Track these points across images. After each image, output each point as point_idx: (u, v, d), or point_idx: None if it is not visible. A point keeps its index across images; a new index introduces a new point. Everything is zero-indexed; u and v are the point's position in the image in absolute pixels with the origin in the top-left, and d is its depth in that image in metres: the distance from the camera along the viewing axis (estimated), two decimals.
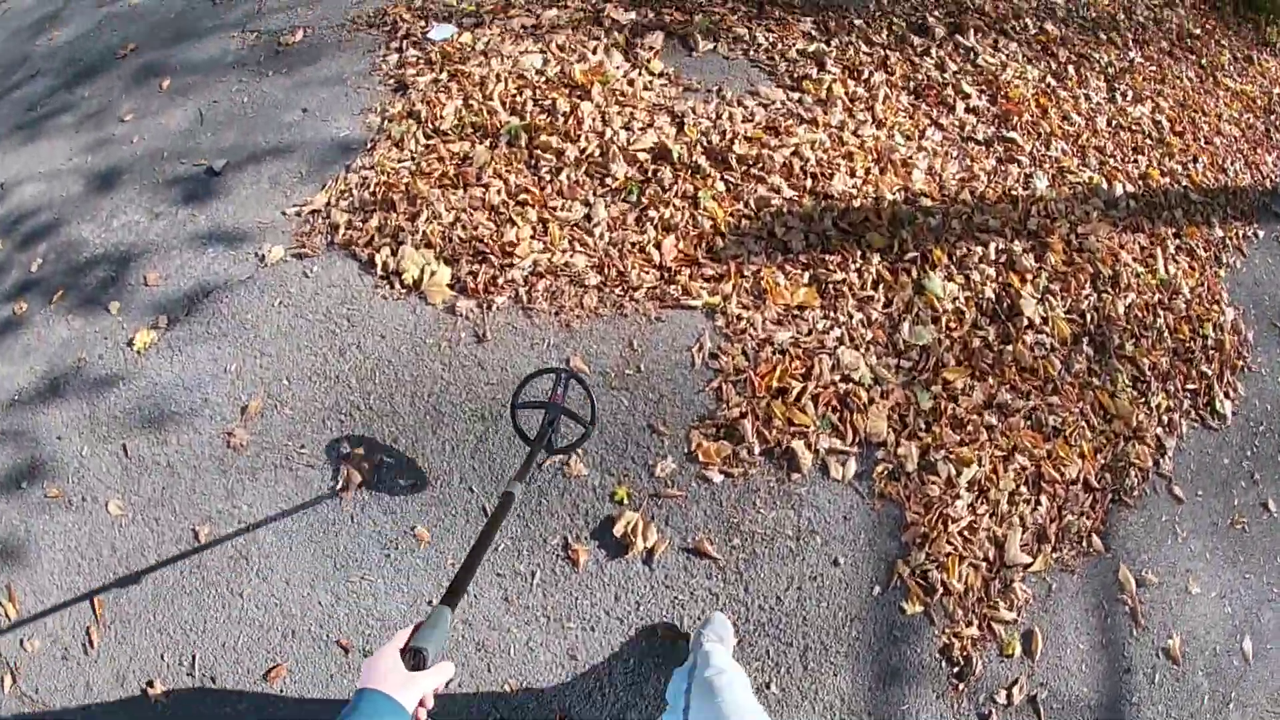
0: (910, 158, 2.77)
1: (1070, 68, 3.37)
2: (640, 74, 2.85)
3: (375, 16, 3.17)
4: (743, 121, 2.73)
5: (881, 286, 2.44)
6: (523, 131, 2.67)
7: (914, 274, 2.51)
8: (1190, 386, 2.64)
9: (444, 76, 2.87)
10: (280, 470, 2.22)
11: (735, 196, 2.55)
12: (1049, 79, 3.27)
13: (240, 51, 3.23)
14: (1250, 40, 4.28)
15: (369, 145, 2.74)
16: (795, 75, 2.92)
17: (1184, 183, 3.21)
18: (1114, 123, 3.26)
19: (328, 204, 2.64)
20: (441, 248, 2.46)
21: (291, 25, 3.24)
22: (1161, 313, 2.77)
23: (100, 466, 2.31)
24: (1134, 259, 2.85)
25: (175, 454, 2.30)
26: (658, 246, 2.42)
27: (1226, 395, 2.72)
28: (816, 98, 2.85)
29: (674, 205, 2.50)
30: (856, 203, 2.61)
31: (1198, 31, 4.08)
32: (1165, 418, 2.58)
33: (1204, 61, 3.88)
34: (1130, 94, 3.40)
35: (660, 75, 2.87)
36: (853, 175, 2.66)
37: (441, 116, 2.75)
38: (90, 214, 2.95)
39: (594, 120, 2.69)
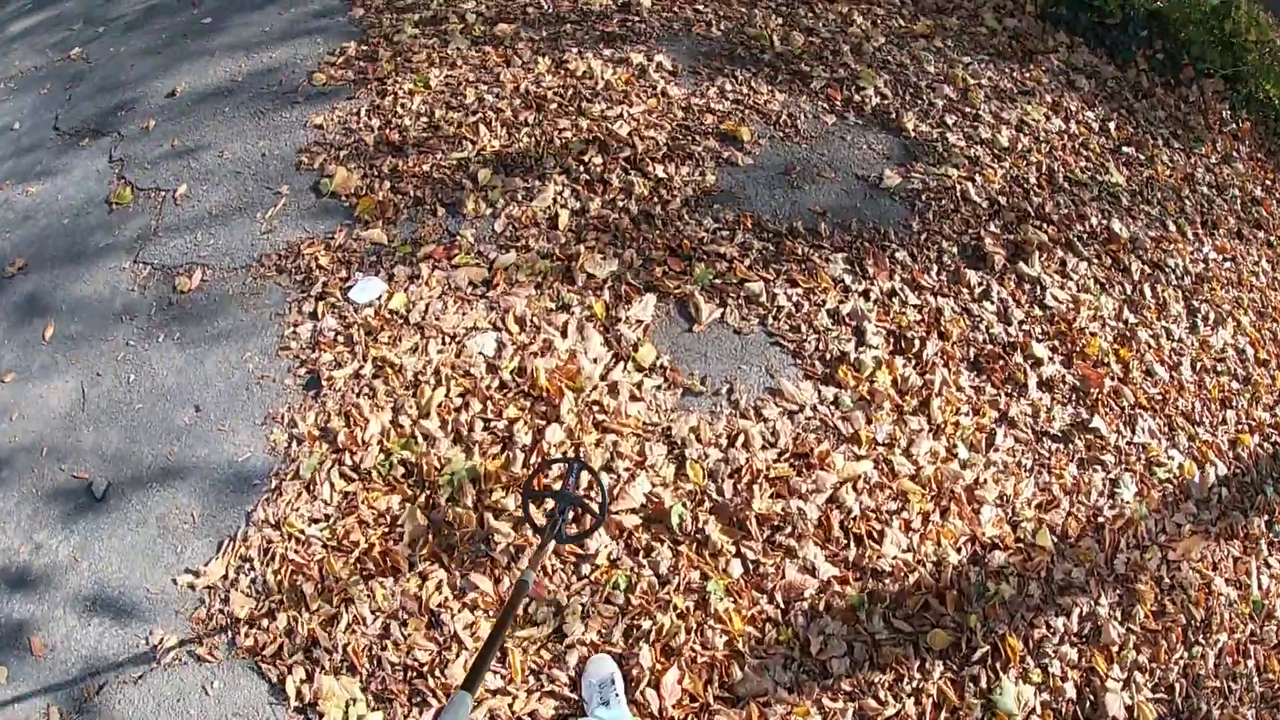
0: (977, 483, 1.73)
1: (1146, 287, 2.25)
2: (625, 370, 1.73)
3: (286, 256, 1.97)
4: (763, 448, 1.65)
5: (944, 712, 1.55)
6: (468, 481, 1.61)
7: (983, 682, 1.57)
8: None
9: (367, 370, 1.75)
10: None
11: (756, 585, 1.53)
12: (1126, 312, 2.16)
13: (130, 293, 2.07)
14: None
15: (273, 484, 1.67)
16: (828, 356, 1.80)
17: (1273, 438, 2.23)
18: (1198, 365, 2.19)
19: (225, 578, 1.63)
20: (368, 674, 1.47)
21: (189, 260, 2.05)
22: (1252, 649, 1.87)
23: None
24: (1227, 580, 1.90)
25: None
26: (655, 685, 1.43)
27: None
28: (857, 394, 1.76)
29: (675, 609, 1.51)
30: (913, 577, 1.61)
31: (1259, 192, 2.92)
32: None
33: (1273, 239, 2.76)
34: (1211, 315, 2.31)
35: (652, 369, 1.75)
36: (908, 530, 1.63)
37: (363, 444, 1.68)
38: None
39: (564, 455, 1.67)
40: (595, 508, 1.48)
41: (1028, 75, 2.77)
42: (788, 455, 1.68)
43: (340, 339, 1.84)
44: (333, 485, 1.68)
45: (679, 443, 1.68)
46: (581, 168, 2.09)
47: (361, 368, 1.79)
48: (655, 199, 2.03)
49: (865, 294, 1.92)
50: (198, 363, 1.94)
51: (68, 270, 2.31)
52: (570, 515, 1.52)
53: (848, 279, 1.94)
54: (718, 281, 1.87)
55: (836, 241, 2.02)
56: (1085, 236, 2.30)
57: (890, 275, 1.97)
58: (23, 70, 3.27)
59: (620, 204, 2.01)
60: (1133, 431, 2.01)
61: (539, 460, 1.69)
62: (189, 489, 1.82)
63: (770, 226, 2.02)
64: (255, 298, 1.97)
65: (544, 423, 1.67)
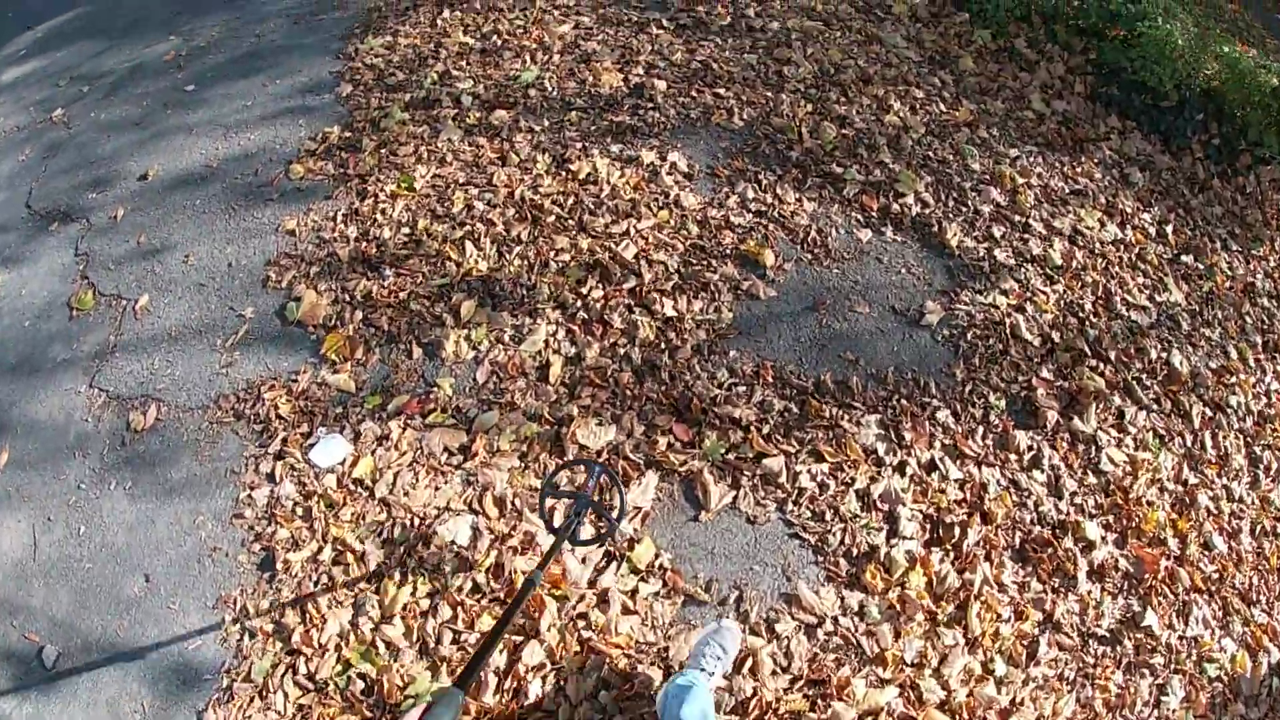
0: (1014, 704, 1.34)
1: (1207, 435, 1.80)
2: (619, 573, 1.34)
3: (245, 399, 1.57)
4: (773, 674, 1.27)
5: None
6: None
7: None
8: None
9: (326, 554, 1.37)
10: None
11: None
12: (1185, 470, 1.72)
13: (84, 423, 1.68)
14: None
15: (224, 683, 1.32)
16: (855, 551, 1.39)
17: None
18: (1258, 529, 1.77)
19: None
20: None
21: (145, 392, 1.65)
22: None
23: None
24: None
25: None
26: None
27: None
28: (885, 601, 1.36)
29: None
30: None
31: None
32: None
33: None
34: (1274, 465, 1.87)
35: (649, 571, 1.35)
36: None
37: (320, 647, 1.33)
38: None
39: (544, 682, 1.29)
40: (611, 514, 1.29)
41: (1079, 169, 2.27)
42: (802, 683, 1.31)
43: (299, 511, 1.46)
44: (286, 695, 1.35)
45: (677, 668, 1.36)
46: (579, 301, 1.65)
47: (320, 550, 1.43)
48: (662, 344, 1.59)
49: (900, 468, 1.50)
50: (149, 521, 1.59)
51: (25, 384, 1.93)
52: (585, 518, 1.31)
53: (881, 448, 1.52)
54: (730, 456, 1.46)
55: (870, 399, 1.58)
56: (1144, 376, 1.82)
57: (930, 443, 1.55)
58: (5, 130, 2.82)
59: (622, 350, 1.58)
60: (1185, 623, 1.62)
61: (559, 461, 1.50)
62: (138, 672, 1.50)
63: (794, 381, 1.59)
64: (211, 447, 1.59)
65: (520, 638, 1.31)
